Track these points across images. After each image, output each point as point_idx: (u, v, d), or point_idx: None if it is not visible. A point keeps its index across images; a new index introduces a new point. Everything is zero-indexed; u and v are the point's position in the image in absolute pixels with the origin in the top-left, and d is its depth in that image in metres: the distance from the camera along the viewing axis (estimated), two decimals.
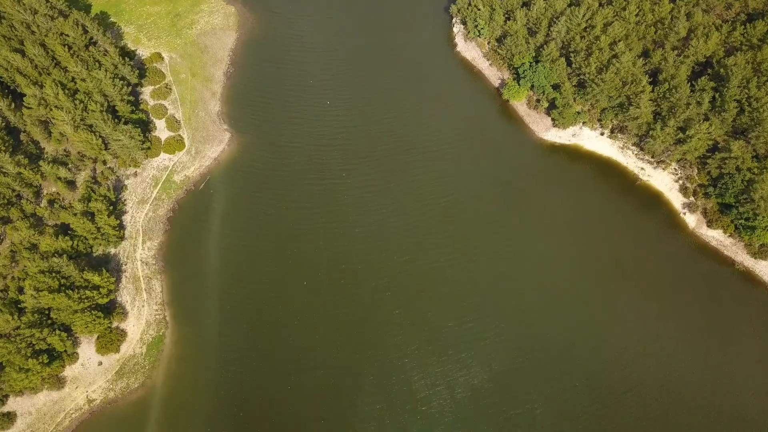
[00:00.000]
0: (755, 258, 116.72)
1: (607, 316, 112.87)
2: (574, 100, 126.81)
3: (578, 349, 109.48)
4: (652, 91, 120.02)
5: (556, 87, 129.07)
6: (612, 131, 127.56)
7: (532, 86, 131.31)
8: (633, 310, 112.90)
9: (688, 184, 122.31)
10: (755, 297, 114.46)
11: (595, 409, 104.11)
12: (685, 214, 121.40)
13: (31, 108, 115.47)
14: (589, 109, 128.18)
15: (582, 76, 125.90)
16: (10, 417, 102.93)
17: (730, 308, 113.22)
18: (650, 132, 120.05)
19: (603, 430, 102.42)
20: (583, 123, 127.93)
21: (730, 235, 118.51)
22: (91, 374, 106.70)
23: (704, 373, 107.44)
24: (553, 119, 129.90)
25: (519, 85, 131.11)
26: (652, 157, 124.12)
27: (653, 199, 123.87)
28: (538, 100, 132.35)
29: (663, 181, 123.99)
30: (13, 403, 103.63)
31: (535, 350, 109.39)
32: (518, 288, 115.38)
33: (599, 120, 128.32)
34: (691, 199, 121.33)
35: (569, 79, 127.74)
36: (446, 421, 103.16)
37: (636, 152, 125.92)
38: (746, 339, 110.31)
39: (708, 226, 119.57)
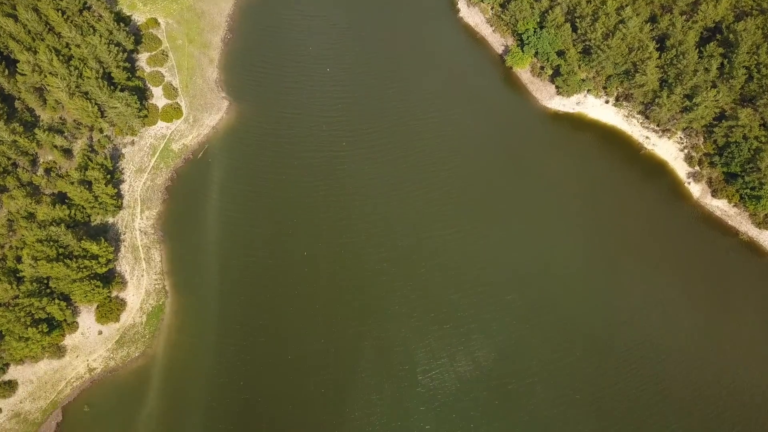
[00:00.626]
0: (759, 228, 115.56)
1: (609, 286, 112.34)
2: (579, 67, 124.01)
3: (580, 318, 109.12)
4: (659, 57, 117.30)
5: (560, 54, 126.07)
6: (617, 99, 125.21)
7: (536, 53, 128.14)
8: (636, 280, 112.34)
9: (694, 153, 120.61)
10: (758, 266, 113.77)
11: (596, 377, 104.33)
12: (689, 183, 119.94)
13: (25, 75, 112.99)
14: (594, 77, 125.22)
15: (587, 43, 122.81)
16: (12, 385, 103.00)
17: (733, 277, 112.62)
18: (656, 100, 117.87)
19: (603, 397, 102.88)
20: (588, 91, 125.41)
21: (734, 205, 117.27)
22: (92, 343, 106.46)
23: (705, 341, 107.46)
24: (557, 87, 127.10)
25: (523, 51, 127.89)
26: (658, 125, 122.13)
27: (657, 169, 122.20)
28: (542, 68, 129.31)
29: (668, 150, 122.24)
30: (14, 372, 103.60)
31: (536, 320, 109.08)
32: (520, 258, 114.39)
33: (604, 88, 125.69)
34: (696, 168, 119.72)
35: (574, 45, 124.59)
36: (448, 392, 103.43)
37: (641, 121, 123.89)
38: (748, 308, 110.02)
39: (713, 196, 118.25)
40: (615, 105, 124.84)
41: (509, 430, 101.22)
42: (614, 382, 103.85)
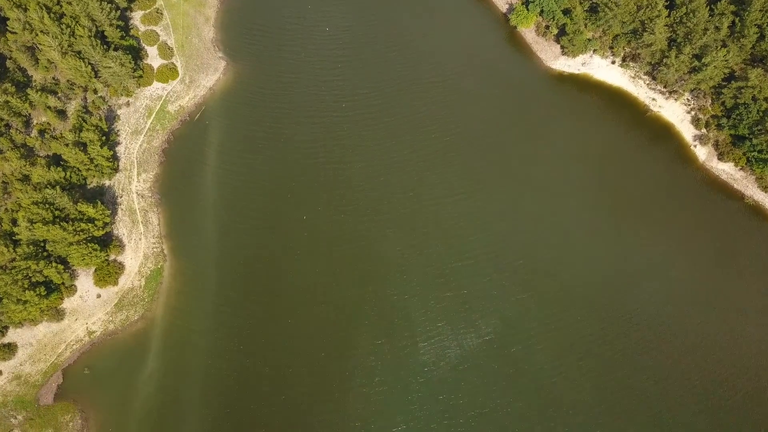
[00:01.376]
0: (765, 192, 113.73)
1: (612, 250, 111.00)
2: (585, 26, 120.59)
3: (582, 282, 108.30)
4: (668, 15, 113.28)
5: (566, 12, 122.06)
6: (624, 59, 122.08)
7: (542, 11, 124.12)
8: (639, 244, 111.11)
9: (701, 116, 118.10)
10: (764, 231, 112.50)
11: (598, 341, 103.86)
12: (695, 146, 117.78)
13: (15, 33, 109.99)
14: (600, 36, 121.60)
15: (594, 0, 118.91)
16: (11, 348, 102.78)
17: (738, 241, 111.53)
18: (664, 60, 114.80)
19: (605, 362, 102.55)
20: (594, 51, 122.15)
21: (741, 169, 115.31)
22: (90, 307, 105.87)
23: (708, 306, 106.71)
24: (562, 47, 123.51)
25: (528, 10, 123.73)
26: (665, 86, 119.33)
27: (663, 131, 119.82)
28: (547, 27, 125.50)
29: (674, 112, 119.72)
30: (13, 335, 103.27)
31: (538, 285, 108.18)
32: (523, 223, 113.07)
33: (611, 48, 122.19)
34: (703, 131, 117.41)
35: (580, 3, 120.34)
36: (448, 357, 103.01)
37: (648, 82, 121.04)
38: (752, 272, 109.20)
39: (719, 159, 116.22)
40: (621, 66, 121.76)
41: (510, 394, 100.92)
42: (616, 348, 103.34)
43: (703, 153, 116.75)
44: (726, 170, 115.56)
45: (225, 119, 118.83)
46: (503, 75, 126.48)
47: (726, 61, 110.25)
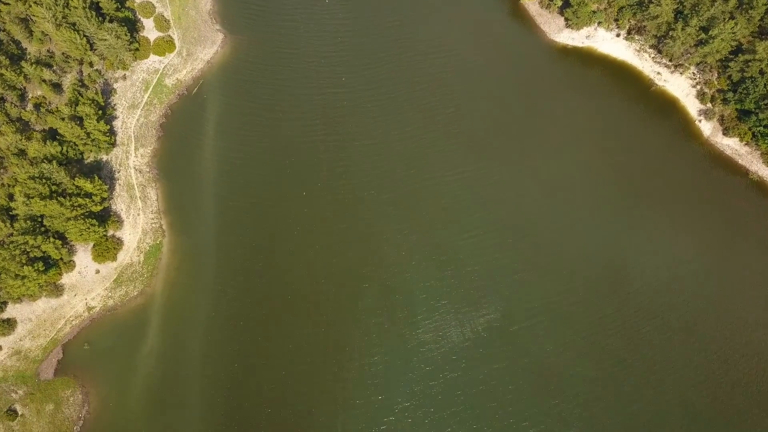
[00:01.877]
0: None
1: (615, 226, 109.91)
2: None
3: (586, 259, 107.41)
4: None
5: None
6: (629, 32, 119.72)
7: None
8: (642, 220, 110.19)
9: (706, 90, 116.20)
10: None
11: (599, 319, 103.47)
12: (700, 121, 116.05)
13: (8, 4, 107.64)
14: (605, 8, 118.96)
15: None
16: (11, 323, 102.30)
17: (742, 217, 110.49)
18: (670, 33, 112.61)
19: (607, 340, 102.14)
20: (599, 23, 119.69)
21: (746, 144, 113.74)
22: (89, 282, 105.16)
23: (710, 282, 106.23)
24: (566, 19, 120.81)
25: None
26: (670, 60, 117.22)
27: (668, 106, 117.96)
28: None
29: (680, 86, 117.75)
30: (12, 310, 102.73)
31: (540, 262, 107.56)
32: (526, 199, 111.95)
33: (616, 20, 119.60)
34: (708, 105, 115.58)
35: None
36: (449, 334, 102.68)
37: (653, 55, 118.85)
38: (756, 248, 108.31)
39: (724, 134, 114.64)
40: (626, 38, 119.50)
41: (510, 372, 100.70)
42: (617, 325, 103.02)
43: (708, 128, 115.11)
44: (731, 145, 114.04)
45: (223, 93, 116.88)
46: (506, 48, 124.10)
47: (733, 33, 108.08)
